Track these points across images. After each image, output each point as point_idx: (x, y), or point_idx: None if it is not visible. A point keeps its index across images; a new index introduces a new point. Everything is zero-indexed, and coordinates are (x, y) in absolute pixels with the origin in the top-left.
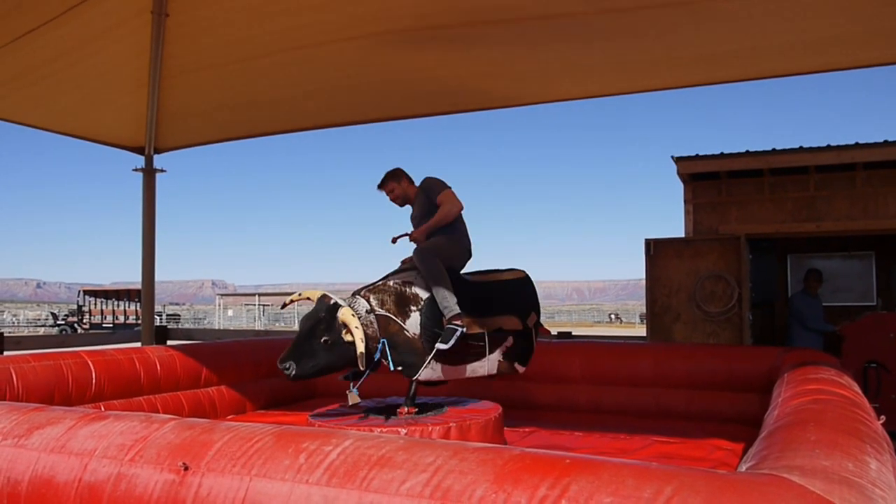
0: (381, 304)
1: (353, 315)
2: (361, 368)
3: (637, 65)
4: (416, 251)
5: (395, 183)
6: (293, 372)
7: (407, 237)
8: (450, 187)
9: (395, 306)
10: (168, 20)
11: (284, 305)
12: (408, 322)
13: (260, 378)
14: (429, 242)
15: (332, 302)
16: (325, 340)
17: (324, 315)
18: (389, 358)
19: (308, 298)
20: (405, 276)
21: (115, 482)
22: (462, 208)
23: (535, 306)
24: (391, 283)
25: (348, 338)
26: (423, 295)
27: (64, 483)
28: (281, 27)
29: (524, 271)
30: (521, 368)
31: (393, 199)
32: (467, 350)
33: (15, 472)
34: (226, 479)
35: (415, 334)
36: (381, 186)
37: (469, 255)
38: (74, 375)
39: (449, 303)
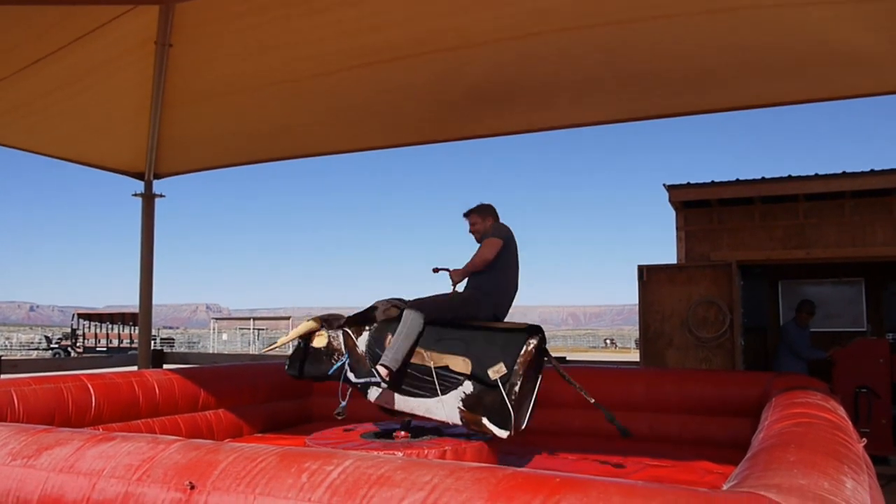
0: (350, 322)
1: (317, 325)
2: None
3: (629, 93)
4: (407, 305)
5: (478, 217)
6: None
7: (447, 272)
8: (500, 236)
9: (357, 324)
10: (171, 50)
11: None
12: (359, 339)
13: (257, 402)
14: (437, 297)
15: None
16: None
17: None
18: (348, 371)
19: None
20: (395, 301)
21: (123, 501)
22: (487, 260)
23: (510, 357)
24: (380, 304)
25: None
26: (381, 318)
27: (72, 502)
28: (280, 60)
29: (527, 325)
30: (499, 432)
31: (472, 232)
32: (412, 380)
33: (24, 492)
34: (231, 497)
35: (363, 352)
36: (466, 215)
37: (498, 308)
38: (74, 398)
39: (390, 353)
